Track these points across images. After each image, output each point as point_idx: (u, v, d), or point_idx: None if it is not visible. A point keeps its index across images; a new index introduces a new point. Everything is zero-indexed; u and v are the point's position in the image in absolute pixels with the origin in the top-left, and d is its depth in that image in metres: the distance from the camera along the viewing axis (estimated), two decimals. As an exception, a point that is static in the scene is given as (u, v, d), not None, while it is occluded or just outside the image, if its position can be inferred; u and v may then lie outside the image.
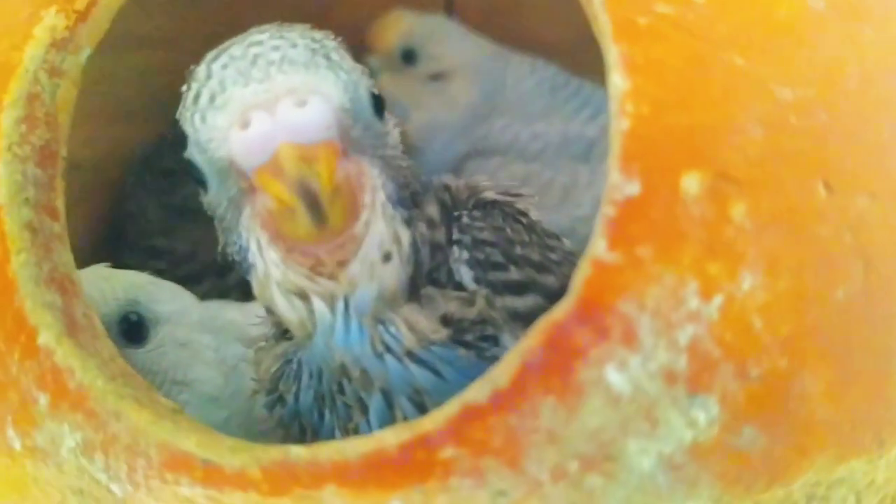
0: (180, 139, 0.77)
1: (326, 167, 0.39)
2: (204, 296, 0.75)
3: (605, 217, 0.37)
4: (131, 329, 0.51)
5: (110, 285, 0.51)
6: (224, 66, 0.42)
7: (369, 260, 0.42)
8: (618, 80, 0.38)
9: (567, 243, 0.51)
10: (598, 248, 0.37)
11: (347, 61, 0.43)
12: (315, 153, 0.39)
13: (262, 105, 0.40)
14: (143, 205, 0.77)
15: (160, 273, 0.75)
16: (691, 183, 0.37)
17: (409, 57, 0.83)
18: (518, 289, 0.46)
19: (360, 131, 0.42)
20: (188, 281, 0.74)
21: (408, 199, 0.44)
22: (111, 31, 0.70)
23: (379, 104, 0.44)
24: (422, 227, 0.45)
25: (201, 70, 0.43)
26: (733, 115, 0.38)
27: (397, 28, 0.83)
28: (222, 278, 0.73)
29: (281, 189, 0.39)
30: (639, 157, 0.37)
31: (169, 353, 0.51)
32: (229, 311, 0.58)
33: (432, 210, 0.46)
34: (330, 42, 0.43)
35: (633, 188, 0.37)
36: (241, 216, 0.43)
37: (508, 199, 0.49)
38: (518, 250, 0.46)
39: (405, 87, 0.83)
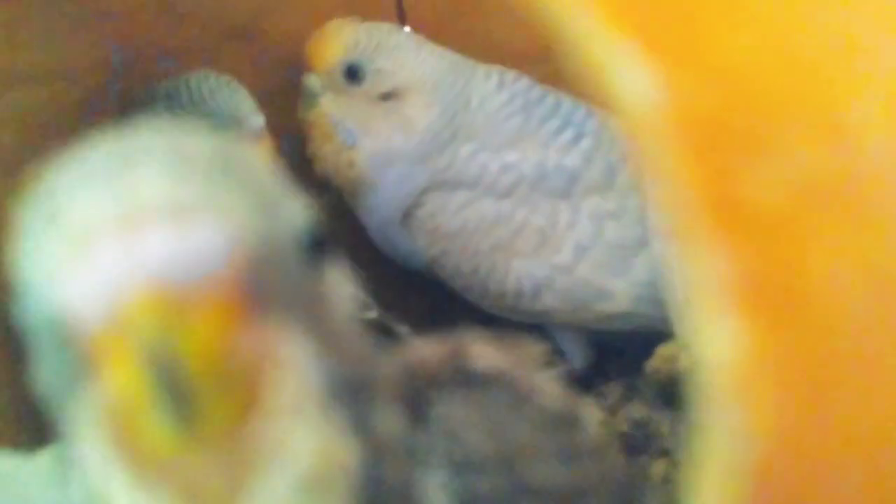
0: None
1: (207, 326, 0.24)
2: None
3: None
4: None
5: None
6: (72, 171, 0.28)
7: (281, 491, 0.26)
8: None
9: (594, 430, 0.34)
10: None
11: (269, 176, 0.29)
12: (190, 300, 0.24)
13: (116, 225, 0.25)
14: None
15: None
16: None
17: (353, 73, 0.70)
18: None
19: (282, 284, 0.27)
20: None
21: (358, 397, 0.29)
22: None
23: (319, 248, 0.29)
24: (376, 439, 0.29)
25: (43, 180, 0.29)
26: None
27: (339, 40, 0.70)
28: None
29: (128, 365, 0.24)
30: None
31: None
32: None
33: (389, 419, 0.30)
34: (249, 149, 0.30)
35: None
36: (77, 413, 0.27)
37: (509, 368, 0.33)
38: (533, 470, 0.31)
39: (351, 109, 0.70)
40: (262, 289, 0.27)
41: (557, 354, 0.72)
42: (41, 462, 0.48)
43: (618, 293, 0.68)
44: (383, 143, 0.70)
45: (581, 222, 0.69)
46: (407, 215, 0.71)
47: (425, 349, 0.34)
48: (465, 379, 0.33)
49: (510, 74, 0.73)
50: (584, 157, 0.70)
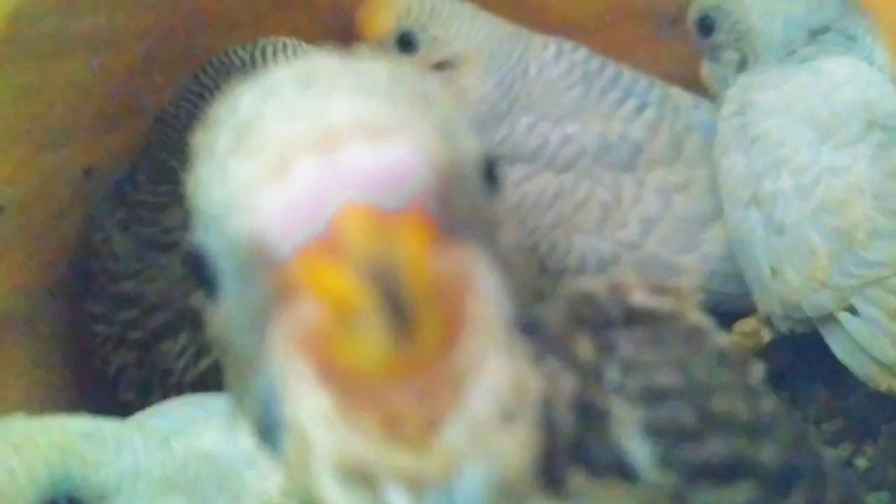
0: (154, 162, 0.58)
1: (418, 248, 0.24)
2: (181, 353, 0.62)
3: None
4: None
5: (24, 459, 0.35)
6: (261, 96, 0.27)
7: (481, 419, 0.25)
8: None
9: (760, 371, 0.33)
10: None
11: (453, 106, 0.28)
12: (401, 224, 0.24)
13: (314, 145, 0.24)
14: (109, 240, 0.62)
15: (131, 325, 0.61)
16: None
17: (407, 42, 0.67)
18: (724, 473, 0.29)
19: (467, 210, 0.27)
20: (163, 334, 0.61)
21: (534, 326, 0.28)
22: (30, 35, 0.54)
23: (493, 175, 0.28)
24: (564, 377, 0.28)
25: (223, 107, 0.27)
26: None
27: (391, 8, 0.67)
28: (202, 329, 0.60)
29: (340, 280, 0.23)
30: None
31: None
32: (205, 436, 0.42)
33: (584, 346, 0.29)
34: (429, 78, 0.29)
35: None
36: (268, 343, 0.26)
37: (669, 305, 0.32)
38: (718, 403, 0.30)
39: None
40: (454, 211, 0.26)
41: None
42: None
43: (688, 268, 0.66)
44: None
45: (647, 196, 0.66)
46: (463, 190, 0.68)
47: (590, 283, 0.32)
48: (633, 316, 0.31)
49: (568, 44, 0.70)
50: (649, 127, 0.68)
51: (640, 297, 0.31)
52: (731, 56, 0.66)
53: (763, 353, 0.61)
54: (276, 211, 0.24)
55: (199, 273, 0.28)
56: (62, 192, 0.60)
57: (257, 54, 0.60)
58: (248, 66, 0.59)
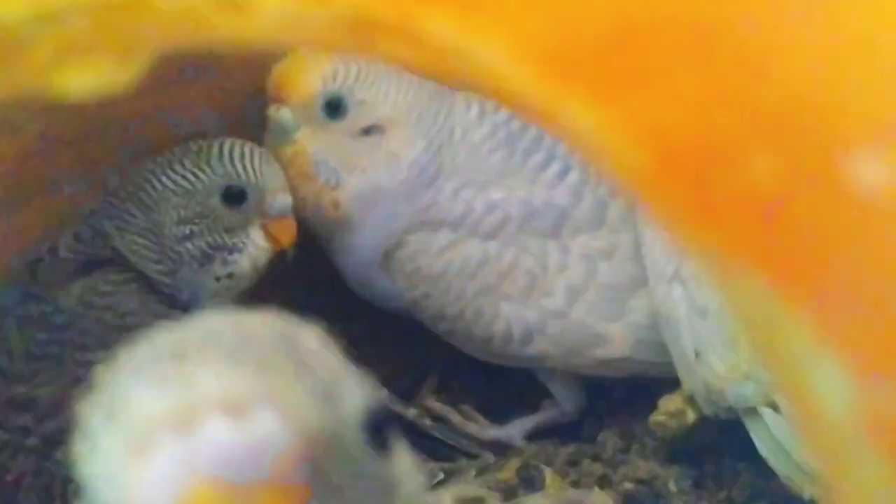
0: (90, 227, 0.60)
1: None
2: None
3: None
4: None
5: None
6: (130, 367, 0.28)
7: None
8: None
9: None
10: None
11: (332, 358, 0.28)
12: (251, 494, 0.24)
13: (176, 421, 0.25)
14: (7, 337, 0.59)
15: (26, 431, 0.58)
16: None
17: (335, 107, 0.64)
18: None
19: (347, 475, 0.27)
20: (57, 442, 0.58)
21: None
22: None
23: (381, 433, 0.28)
24: None
25: (108, 374, 0.28)
26: None
27: (316, 71, 0.64)
28: None
29: None
30: None
31: None
32: None
33: None
34: (312, 334, 0.29)
35: None
36: None
37: None
38: None
39: (332, 145, 0.65)
40: (323, 478, 0.26)
41: (547, 398, 0.70)
42: None
43: (614, 337, 0.66)
44: (369, 180, 0.65)
45: (572, 263, 0.66)
46: (387, 256, 0.67)
47: None
48: None
49: (489, 103, 0.69)
50: (573, 192, 0.67)
51: None
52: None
53: (689, 427, 0.61)
54: (139, 489, 0.25)
55: None
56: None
57: (214, 146, 0.60)
58: (202, 155, 0.60)
